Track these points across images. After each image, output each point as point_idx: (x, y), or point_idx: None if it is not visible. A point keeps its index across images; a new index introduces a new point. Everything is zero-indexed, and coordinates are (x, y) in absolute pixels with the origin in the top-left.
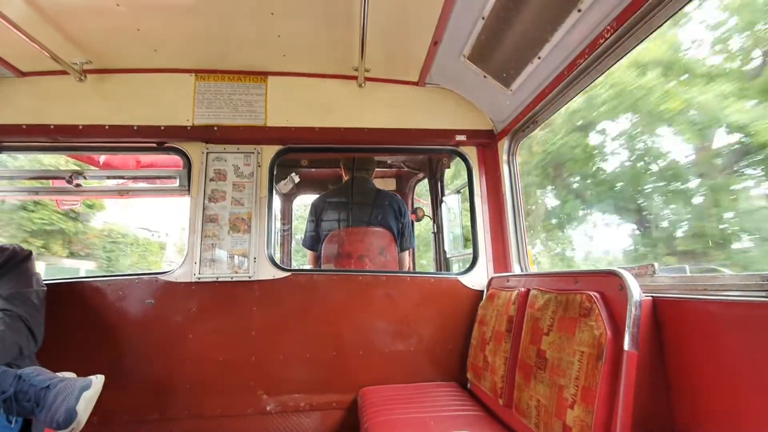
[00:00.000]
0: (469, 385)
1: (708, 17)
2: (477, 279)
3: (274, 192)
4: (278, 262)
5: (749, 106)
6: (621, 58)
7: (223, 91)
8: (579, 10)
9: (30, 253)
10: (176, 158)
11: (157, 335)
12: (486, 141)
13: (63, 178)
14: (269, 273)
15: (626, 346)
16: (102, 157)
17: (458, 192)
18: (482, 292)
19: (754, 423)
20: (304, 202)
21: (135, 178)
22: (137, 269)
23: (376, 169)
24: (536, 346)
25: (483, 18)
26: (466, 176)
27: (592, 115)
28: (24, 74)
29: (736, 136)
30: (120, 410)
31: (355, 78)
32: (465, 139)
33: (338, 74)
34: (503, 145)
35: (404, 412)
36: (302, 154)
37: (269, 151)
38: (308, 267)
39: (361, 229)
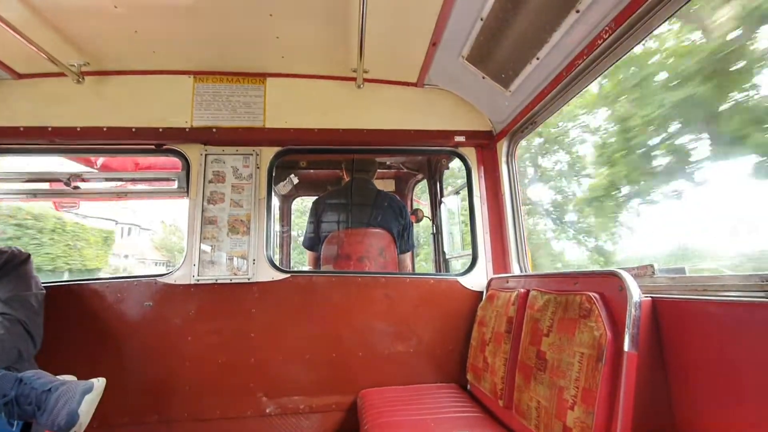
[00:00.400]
0: (468, 387)
1: None
2: (476, 280)
3: (273, 193)
4: (277, 263)
5: None
6: (619, 59)
7: (222, 92)
8: (577, 11)
9: (28, 255)
10: (175, 160)
11: (156, 337)
12: (485, 142)
13: (61, 181)
14: (268, 275)
15: (626, 346)
16: (100, 159)
17: (457, 193)
18: (482, 293)
19: (755, 423)
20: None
21: (133, 180)
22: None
23: (376, 170)
24: (536, 347)
25: (482, 19)
26: (464, 177)
27: None
28: (21, 76)
29: None
30: (119, 412)
31: (353, 79)
32: (464, 140)
33: (337, 75)
34: (502, 145)
35: (404, 413)
36: (301, 155)
37: (268, 153)
38: (307, 268)
39: (360, 230)
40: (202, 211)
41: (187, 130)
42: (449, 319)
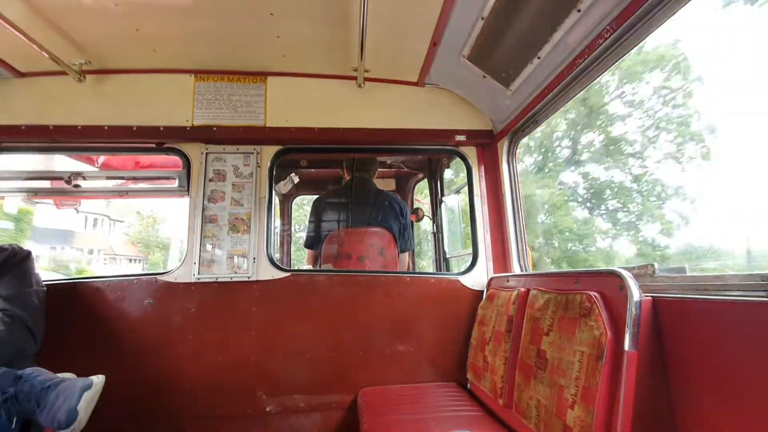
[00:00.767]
0: (469, 386)
1: None
2: (477, 279)
3: (273, 192)
4: (278, 262)
5: None
6: (620, 58)
7: (223, 91)
8: (578, 11)
9: (29, 252)
10: (175, 158)
11: (156, 336)
12: (486, 141)
13: (62, 179)
14: (269, 273)
15: (626, 346)
16: (101, 158)
17: (458, 192)
18: (482, 292)
19: (755, 423)
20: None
21: (134, 179)
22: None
23: (377, 169)
24: (536, 346)
25: (482, 18)
26: (465, 176)
27: None
28: (23, 75)
29: None
30: (119, 410)
31: (354, 78)
32: (464, 139)
33: (337, 74)
34: (503, 145)
35: (404, 412)
36: (302, 154)
37: (269, 152)
38: (307, 267)
39: (361, 229)
40: (203, 209)
41: (187, 128)
42: (449, 318)
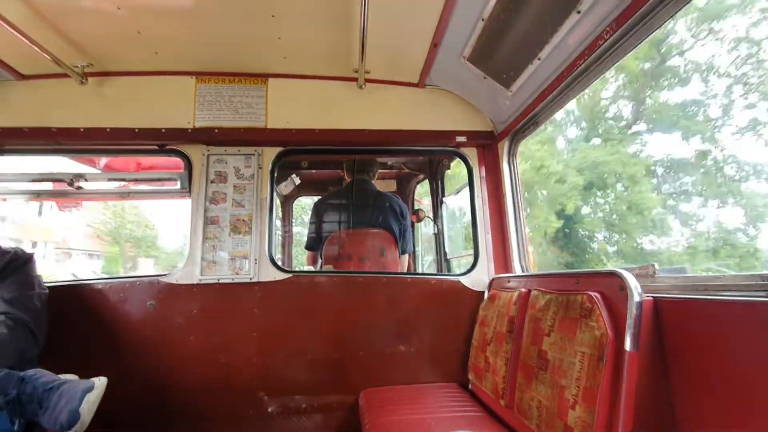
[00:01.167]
0: (470, 386)
1: None
2: (478, 280)
3: (274, 194)
4: (279, 263)
5: None
6: (621, 59)
7: (224, 93)
8: (578, 12)
9: (31, 255)
10: (177, 160)
11: (158, 337)
12: (486, 142)
13: (64, 181)
14: (270, 274)
15: (627, 346)
16: (103, 160)
17: (458, 193)
18: (483, 293)
19: (755, 423)
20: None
21: (136, 181)
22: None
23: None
24: (537, 346)
25: (483, 19)
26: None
27: None
28: (25, 77)
29: None
30: (121, 412)
31: (355, 80)
32: (465, 140)
33: (338, 76)
34: (503, 146)
35: (405, 413)
36: (302, 155)
37: (270, 153)
38: (308, 268)
39: (362, 230)
40: (204, 211)
41: (189, 130)
42: (450, 318)
